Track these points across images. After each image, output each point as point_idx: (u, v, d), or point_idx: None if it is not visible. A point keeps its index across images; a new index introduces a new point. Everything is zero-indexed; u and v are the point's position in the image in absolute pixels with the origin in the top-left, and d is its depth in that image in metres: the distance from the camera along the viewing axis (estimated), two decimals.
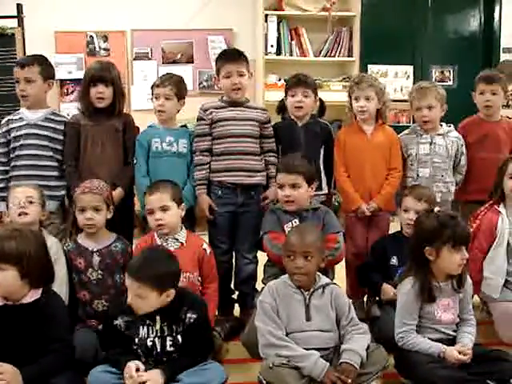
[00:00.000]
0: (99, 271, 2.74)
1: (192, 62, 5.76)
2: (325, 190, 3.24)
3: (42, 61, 3.22)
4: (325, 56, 5.61)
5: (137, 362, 2.24)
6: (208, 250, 2.85)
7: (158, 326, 2.32)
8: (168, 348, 2.32)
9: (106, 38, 5.63)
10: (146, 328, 2.32)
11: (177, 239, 2.78)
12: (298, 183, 2.85)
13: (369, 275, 3.07)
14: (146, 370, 2.22)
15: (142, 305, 2.27)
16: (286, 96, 3.26)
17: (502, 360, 2.42)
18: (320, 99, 3.32)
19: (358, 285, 3.23)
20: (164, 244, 2.75)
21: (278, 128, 3.25)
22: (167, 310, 2.31)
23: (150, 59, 5.70)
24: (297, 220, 2.88)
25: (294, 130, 3.21)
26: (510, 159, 3.11)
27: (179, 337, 2.33)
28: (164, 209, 2.73)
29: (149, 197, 2.76)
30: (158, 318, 2.32)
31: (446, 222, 2.50)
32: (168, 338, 2.33)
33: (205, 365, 2.32)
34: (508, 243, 3.04)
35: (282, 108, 3.32)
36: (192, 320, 2.33)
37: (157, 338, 2.32)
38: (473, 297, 2.77)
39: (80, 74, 5.23)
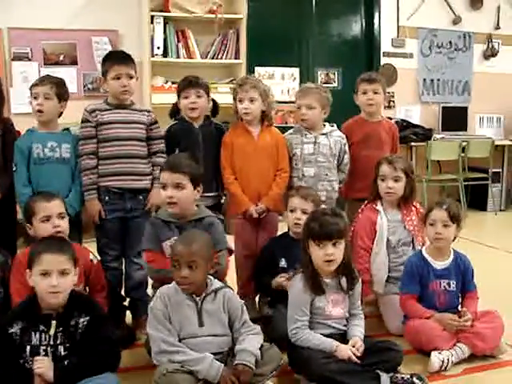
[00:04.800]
0: None
1: (76, 64, 5.53)
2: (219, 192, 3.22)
3: None
4: (212, 58, 5.59)
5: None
6: (95, 261, 2.76)
7: (52, 332, 2.21)
8: (62, 355, 2.22)
9: None
10: (38, 335, 2.21)
11: None
12: (182, 183, 2.68)
13: (261, 280, 3.09)
14: None
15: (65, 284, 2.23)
16: (178, 99, 3.21)
17: (389, 350, 2.53)
18: (213, 99, 3.31)
19: (256, 291, 3.24)
20: None
21: (174, 131, 3.20)
22: (63, 314, 2.23)
23: (30, 60, 5.40)
24: (176, 237, 2.67)
25: (192, 132, 3.18)
26: (381, 161, 3.23)
27: (73, 344, 2.23)
28: (62, 216, 2.62)
29: (45, 203, 2.60)
30: (54, 322, 2.21)
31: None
32: (60, 347, 2.22)
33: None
34: (388, 239, 3.18)
35: (174, 112, 3.27)
36: (85, 323, 2.24)
37: (49, 347, 2.21)
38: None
39: None
